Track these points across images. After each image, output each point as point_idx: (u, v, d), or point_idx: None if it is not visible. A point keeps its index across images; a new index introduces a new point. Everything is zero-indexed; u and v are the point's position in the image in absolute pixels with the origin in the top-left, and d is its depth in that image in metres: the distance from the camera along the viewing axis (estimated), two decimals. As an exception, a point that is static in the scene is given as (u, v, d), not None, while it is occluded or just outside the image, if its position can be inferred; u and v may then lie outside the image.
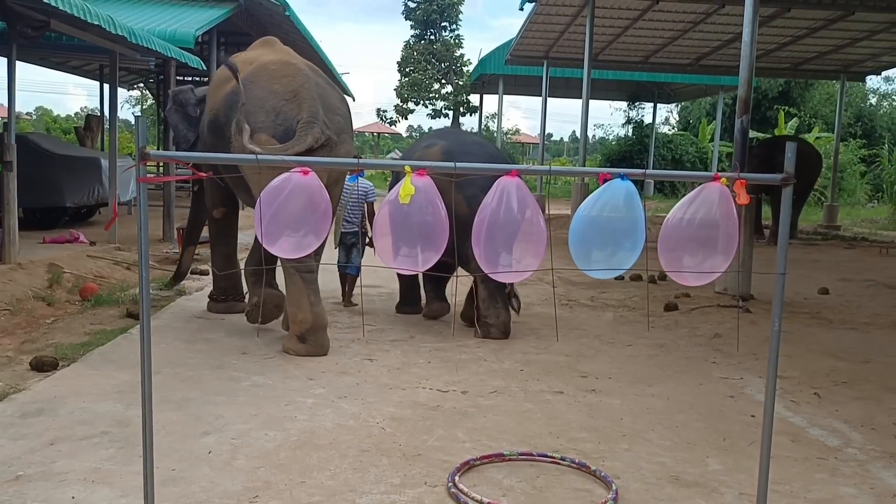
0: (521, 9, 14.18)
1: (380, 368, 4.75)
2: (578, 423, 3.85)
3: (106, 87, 22.72)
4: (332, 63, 20.57)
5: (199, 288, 7.17)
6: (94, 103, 35.23)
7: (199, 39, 11.02)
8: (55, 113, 44.72)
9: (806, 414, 4.15)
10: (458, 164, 2.21)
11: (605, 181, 2.11)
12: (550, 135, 55.63)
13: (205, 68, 10.83)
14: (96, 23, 7.09)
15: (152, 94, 23.58)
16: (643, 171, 2.12)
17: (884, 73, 18.87)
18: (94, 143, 16.18)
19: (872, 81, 31.21)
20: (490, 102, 38.70)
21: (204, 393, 4.10)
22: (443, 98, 30.28)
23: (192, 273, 8.05)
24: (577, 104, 13.43)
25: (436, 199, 2.15)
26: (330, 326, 5.85)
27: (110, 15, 7.60)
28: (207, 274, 8.00)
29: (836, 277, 9.35)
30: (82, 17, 6.97)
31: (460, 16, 30.75)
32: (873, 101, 31.69)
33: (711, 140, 26.50)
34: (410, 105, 30.67)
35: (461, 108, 30.08)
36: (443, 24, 30.52)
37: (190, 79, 20.09)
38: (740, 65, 7.37)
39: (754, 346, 5.65)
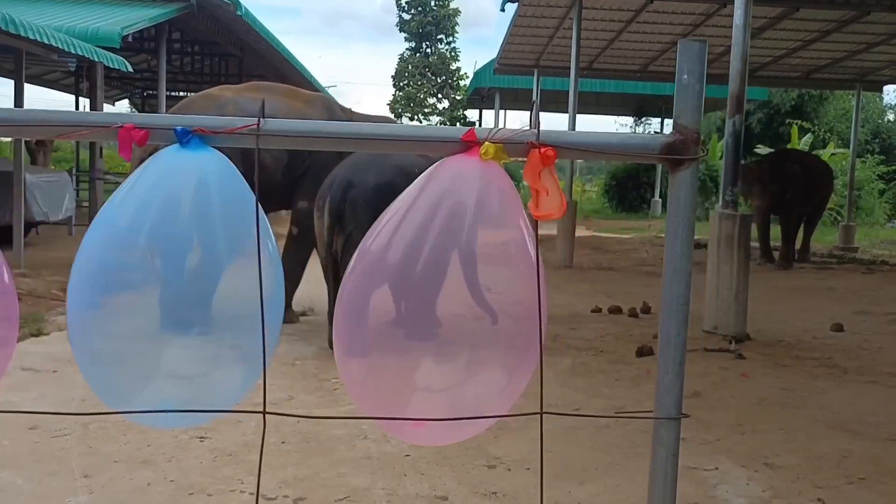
0: (503, 9, 12.97)
1: (205, 454, 3.38)
2: (441, 567, 2.48)
3: (82, 101, 21.96)
4: (312, 73, 19.67)
5: (63, 326, 5.83)
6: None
7: (129, 40, 9.82)
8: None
9: (804, 541, 2.76)
10: None
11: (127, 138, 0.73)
12: (560, 154, 54.32)
13: (130, 70, 9.60)
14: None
15: (137, 110, 22.62)
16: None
17: (903, 83, 17.51)
18: (46, 157, 15.27)
19: (890, 96, 29.91)
20: (490, 119, 37.63)
21: None
22: (438, 113, 29.11)
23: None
24: (584, 120, 12.10)
25: None
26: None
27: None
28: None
29: (853, 309, 7.92)
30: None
31: (457, 28, 29.67)
32: (891, 117, 30.31)
33: (721, 157, 25.15)
34: (405, 120, 29.57)
35: (457, 124, 28.91)
36: (438, 36, 29.36)
37: (128, 94, 19.33)
38: (731, 53, 6.03)
39: (742, 410, 4.27)
